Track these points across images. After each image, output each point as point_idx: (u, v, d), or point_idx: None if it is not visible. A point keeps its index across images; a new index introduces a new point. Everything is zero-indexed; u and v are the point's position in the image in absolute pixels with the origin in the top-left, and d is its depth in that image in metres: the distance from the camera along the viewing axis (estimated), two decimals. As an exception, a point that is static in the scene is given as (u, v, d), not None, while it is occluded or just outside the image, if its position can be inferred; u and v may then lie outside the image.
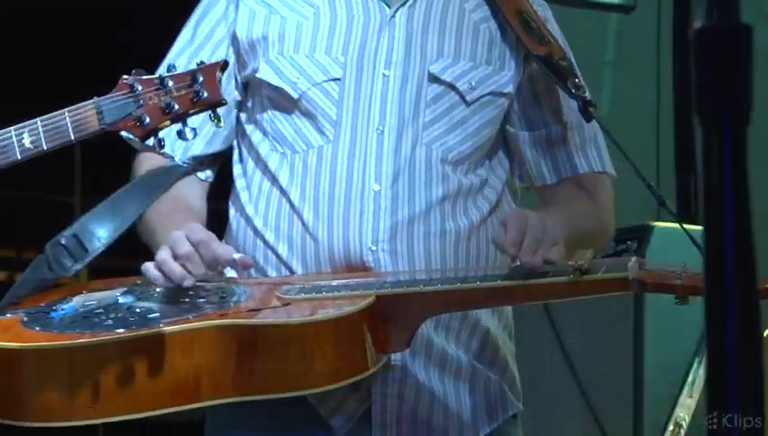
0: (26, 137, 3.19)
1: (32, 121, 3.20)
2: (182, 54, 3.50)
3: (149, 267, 3.17)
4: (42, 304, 3.29)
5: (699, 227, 3.26)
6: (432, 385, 3.39)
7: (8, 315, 3.26)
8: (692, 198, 6.21)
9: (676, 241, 3.55)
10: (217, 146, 3.47)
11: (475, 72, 3.41)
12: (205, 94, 3.17)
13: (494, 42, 3.42)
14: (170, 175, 3.43)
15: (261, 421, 3.31)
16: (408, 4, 3.44)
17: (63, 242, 3.23)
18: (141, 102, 3.21)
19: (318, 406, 3.23)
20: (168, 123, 3.15)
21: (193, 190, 3.47)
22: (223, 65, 3.18)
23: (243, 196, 3.46)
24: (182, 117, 3.15)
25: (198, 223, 3.28)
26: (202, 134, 3.40)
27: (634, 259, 3.13)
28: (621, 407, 5.05)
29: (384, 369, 3.26)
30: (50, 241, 3.26)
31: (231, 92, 3.44)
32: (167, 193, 3.39)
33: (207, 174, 3.50)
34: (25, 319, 3.22)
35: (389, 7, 3.42)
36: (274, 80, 3.37)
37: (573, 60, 3.47)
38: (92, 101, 3.16)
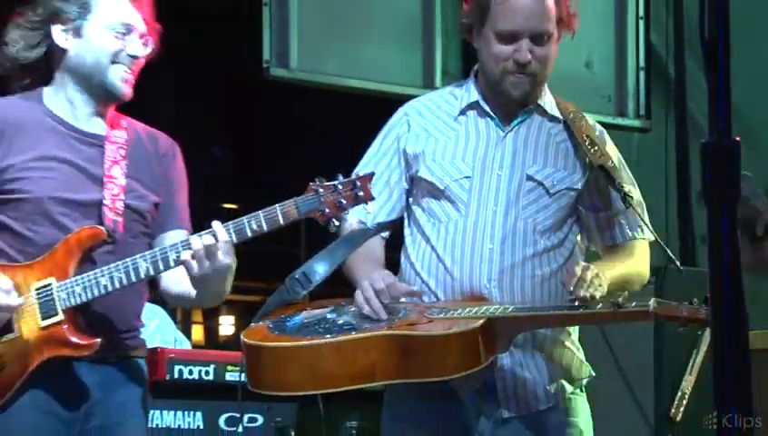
0: (254, 223, 3.74)
1: (256, 212, 3.72)
2: (370, 162, 4.13)
3: (359, 296, 3.87)
4: (281, 317, 3.96)
5: (694, 268, 4.07)
6: (530, 366, 3.98)
7: (260, 323, 3.94)
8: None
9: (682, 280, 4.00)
10: (393, 217, 4.11)
11: (556, 174, 4.03)
12: (361, 194, 3.74)
13: (569, 154, 4.03)
14: (364, 235, 4.03)
15: (418, 393, 3.91)
16: (514, 130, 4.05)
17: (296, 276, 3.90)
18: (322, 200, 3.72)
19: (451, 384, 3.87)
20: (346, 208, 3.73)
21: (377, 244, 4.10)
22: (371, 177, 3.75)
23: (409, 249, 4.10)
24: (346, 208, 3.73)
25: (384, 269, 3.96)
26: (385, 210, 4.09)
27: (653, 299, 3.74)
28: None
29: (493, 364, 3.82)
30: (288, 275, 3.94)
31: (401, 181, 4.11)
32: (362, 247, 4.01)
33: (385, 235, 4.14)
34: (270, 326, 3.91)
35: (503, 131, 4.04)
36: (429, 177, 4.02)
37: (619, 166, 4.07)
38: (292, 200, 3.72)
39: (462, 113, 4.09)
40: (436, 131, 4.09)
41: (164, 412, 4.96)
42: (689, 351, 5.06)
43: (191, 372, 4.97)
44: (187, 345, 5.97)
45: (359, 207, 3.81)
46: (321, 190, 3.75)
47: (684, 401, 4.97)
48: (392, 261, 4.15)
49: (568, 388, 4.04)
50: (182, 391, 4.98)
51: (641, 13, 7.28)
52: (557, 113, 4.11)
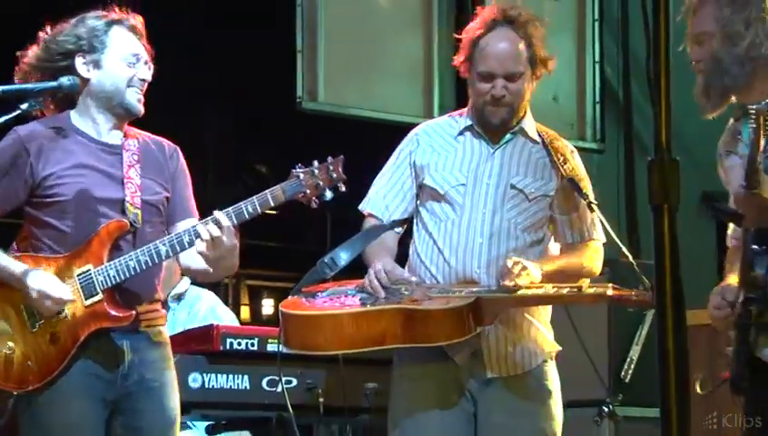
0: (249, 206, 3.74)
1: (251, 198, 3.73)
2: (388, 172, 4.12)
3: (367, 279, 3.88)
4: (312, 292, 3.95)
5: (640, 260, 3.95)
6: (510, 337, 3.93)
7: (295, 296, 3.93)
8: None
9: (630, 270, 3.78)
10: (405, 216, 4.06)
11: (534, 183, 3.99)
12: (335, 176, 3.76)
13: (545, 168, 3.98)
14: (380, 230, 4.03)
15: (420, 355, 3.89)
16: (501, 147, 4.02)
17: (325, 260, 3.90)
18: (303, 183, 3.76)
19: (446, 350, 3.85)
20: (325, 189, 3.76)
21: (391, 238, 4.06)
22: (341, 161, 3.78)
23: (416, 242, 4.06)
24: (324, 188, 3.77)
25: (390, 258, 3.95)
26: (399, 210, 4.05)
27: (610, 285, 3.73)
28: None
29: (481, 334, 3.82)
30: (319, 260, 3.93)
31: (412, 188, 4.07)
32: (378, 239, 4.00)
33: (399, 230, 4.09)
34: (303, 299, 3.91)
35: (492, 148, 4.01)
36: (432, 184, 4.01)
37: (585, 178, 4.00)
38: (279, 186, 3.73)
39: (460, 133, 4.07)
40: (439, 148, 4.08)
41: (219, 376, 4.90)
42: (636, 327, 5.04)
43: (239, 344, 4.93)
44: (236, 322, 5.93)
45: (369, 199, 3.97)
46: (302, 175, 3.76)
47: (632, 366, 4.97)
48: (401, 253, 4.13)
49: (540, 357, 4.00)
50: (232, 359, 4.92)
51: (597, 58, 7.31)
52: (536, 136, 4.07)
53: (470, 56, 3.97)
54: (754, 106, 3.15)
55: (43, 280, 3.72)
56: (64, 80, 3.82)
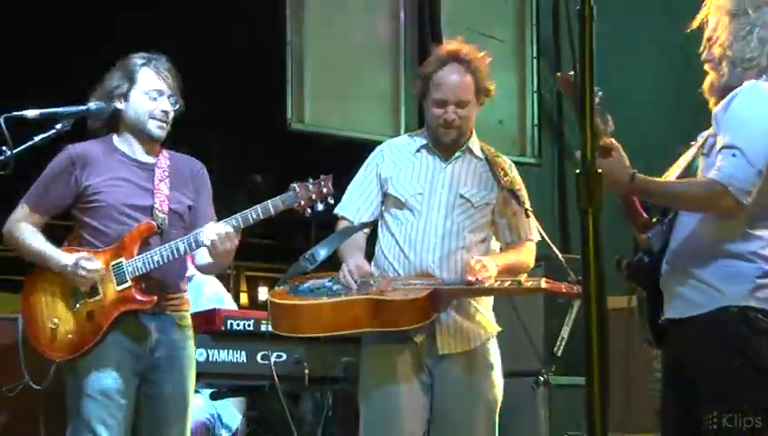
0: (254, 213, 3.78)
1: (255, 206, 3.76)
2: (358, 181, 4.07)
3: (341, 273, 3.86)
4: (295, 283, 3.91)
5: (570, 256, 3.87)
6: (459, 321, 3.90)
7: (281, 287, 3.92)
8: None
9: (561, 266, 3.79)
10: (372, 218, 4.03)
11: (479, 193, 3.97)
12: (325, 190, 3.79)
13: (488, 180, 3.96)
14: (352, 230, 3.98)
15: (384, 338, 3.86)
16: (452, 163, 3.99)
17: (306, 256, 3.84)
18: (299, 195, 3.78)
19: (407, 332, 3.83)
20: (316, 201, 3.78)
21: (361, 237, 4.02)
22: (330, 178, 3.79)
23: (381, 241, 4.03)
24: (316, 200, 3.78)
25: (360, 255, 3.92)
26: (367, 214, 4.02)
27: (543, 279, 3.75)
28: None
29: (436, 319, 3.81)
30: (302, 255, 3.87)
31: (379, 196, 4.02)
32: (350, 238, 3.95)
33: (367, 231, 4.05)
34: (288, 289, 3.89)
35: (444, 163, 3.99)
36: (395, 193, 3.98)
37: (522, 188, 4.00)
38: (279, 197, 3.76)
39: (418, 151, 4.06)
40: (400, 162, 4.06)
41: (220, 351, 4.86)
42: (566, 311, 4.96)
43: (238, 325, 4.89)
44: (233, 304, 5.90)
45: (343, 204, 3.92)
46: (298, 189, 3.78)
47: (563, 343, 4.91)
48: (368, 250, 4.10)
49: (484, 337, 3.98)
50: (231, 337, 4.87)
51: (535, 88, 7.27)
52: (481, 154, 4.06)
53: (427, 87, 3.96)
54: (560, 73, 3.10)
55: (78, 256, 3.79)
56: (92, 105, 3.87)
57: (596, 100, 2.80)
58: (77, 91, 3.98)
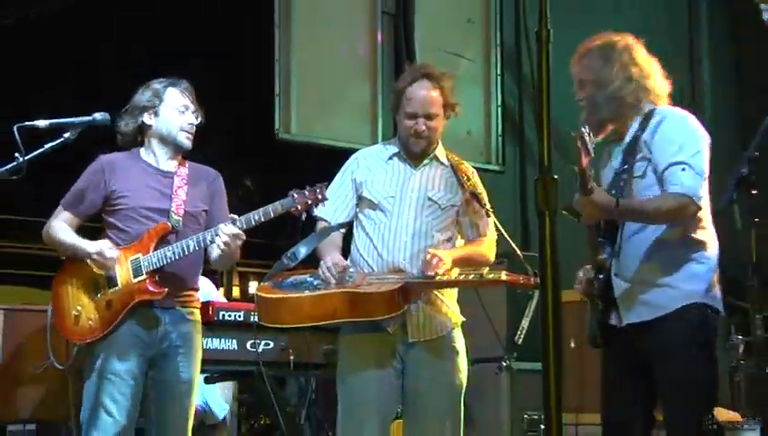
0: (256, 216, 3.81)
1: (257, 210, 3.79)
2: (335, 184, 4.02)
3: (320, 269, 3.80)
4: (279, 279, 3.87)
5: (529, 253, 3.81)
6: (427, 312, 3.88)
7: (266, 283, 3.87)
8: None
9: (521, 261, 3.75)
10: (348, 219, 4.00)
11: (445, 196, 3.95)
12: (320, 196, 3.81)
13: (453, 185, 3.94)
14: (330, 230, 3.94)
15: (360, 327, 3.83)
16: (421, 169, 3.98)
17: (288, 254, 3.76)
18: (296, 201, 3.79)
19: (381, 322, 3.80)
20: (312, 206, 3.79)
21: (338, 236, 3.98)
22: (325, 186, 3.82)
23: (357, 240, 3.99)
24: (311, 205, 3.80)
25: (337, 253, 3.87)
26: (343, 215, 3.98)
27: (504, 272, 3.69)
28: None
29: (407, 310, 3.77)
30: (284, 254, 3.78)
31: (354, 198, 3.99)
32: (328, 237, 3.91)
33: (343, 231, 4.01)
34: (273, 285, 3.85)
35: (414, 170, 3.98)
36: (369, 196, 3.96)
37: (483, 191, 3.96)
38: (279, 202, 3.78)
39: (390, 158, 4.04)
40: (374, 168, 4.05)
41: (214, 339, 4.92)
42: (526, 304, 4.98)
43: (230, 316, 4.94)
44: (223, 299, 5.91)
45: (323, 207, 3.88)
46: (296, 195, 3.80)
47: (523, 332, 4.91)
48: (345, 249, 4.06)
49: (450, 326, 3.96)
50: (224, 326, 4.91)
51: (499, 103, 7.26)
52: (446, 161, 4.04)
53: (399, 101, 3.96)
54: (574, 131, 3.22)
55: (100, 245, 3.87)
56: (97, 115, 3.77)
57: (587, 140, 3.12)
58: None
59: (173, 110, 4.04)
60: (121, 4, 7.79)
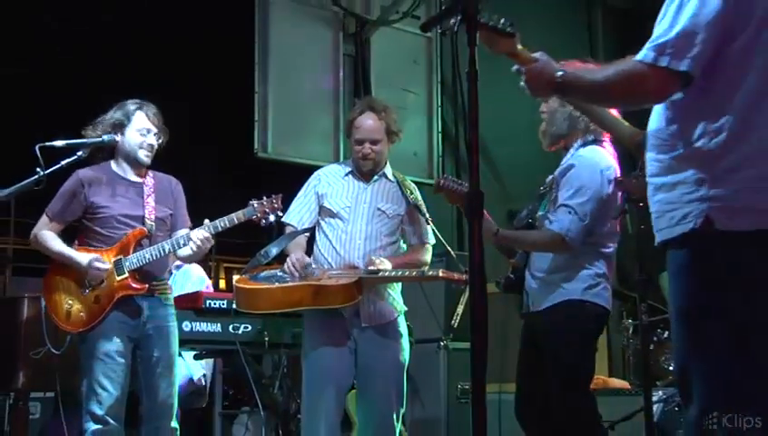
0: (222, 223, 3.74)
1: (223, 217, 3.72)
2: (300, 197, 3.98)
3: (286, 265, 3.76)
4: (253, 273, 3.85)
5: (463, 253, 4.02)
6: (377, 302, 3.86)
7: (243, 275, 3.86)
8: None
9: (456, 260, 3.89)
10: (311, 224, 3.94)
11: (392, 207, 3.94)
12: (276, 205, 3.75)
13: (399, 198, 3.93)
14: (296, 233, 3.89)
15: (321, 313, 3.79)
16: (372, 185, 3.95)
17: (261, 252, 3.73)
18: (256, 209, 3.75)
19: (339, 309, 3.79)
20: (269, 214, 3.70)
21: (303, 239, 3.94)
22: (281, 196, 3.74)
23: (319, 242, 3.94)
24: (269, 214, 3.72)
25: (302, 252, 3.82)
26: (308, 221, 3.94)
27: (441, 270, 3.75)
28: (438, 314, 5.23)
29: (361, 299, 3.75)
30: (258, 252, 3.75)
31: (317, 208, 3.97)
32: (295, 239, 3.87)
33: (307, 234, 3.96)
34: (249, 278, 3.83)
35: (366, 185, 3.95)
36: (329, 206, 3.93)
37: (422, 202, 3.95)
38: (241, 211, 3.71)
39: (346, 175, 4.02)
40: (333, 183, 4.02)
41: (202, 323, 4.80)
42: (460, 294, 4.91)
43: (215, 303, 4.83)
44: (210, 287, 5.82)
45: (290, 215, 3.83)
46: (255, 204, 3.75)
47: (458, 317, 4.83)
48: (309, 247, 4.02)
49: (395, 313, 3.94)
50: (210, 312, 4.80)
51: (440, 129, 7.20)
52: (393, 178, 4.03)
53: (350, 129, 3.95)
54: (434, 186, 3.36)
55: (94, 258, 3.78)
56: (106, 137, 3.85)
57: (448, 184, 3.23)
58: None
59: (136, 132, 3.91)
60: (119, 53, 7.64)
